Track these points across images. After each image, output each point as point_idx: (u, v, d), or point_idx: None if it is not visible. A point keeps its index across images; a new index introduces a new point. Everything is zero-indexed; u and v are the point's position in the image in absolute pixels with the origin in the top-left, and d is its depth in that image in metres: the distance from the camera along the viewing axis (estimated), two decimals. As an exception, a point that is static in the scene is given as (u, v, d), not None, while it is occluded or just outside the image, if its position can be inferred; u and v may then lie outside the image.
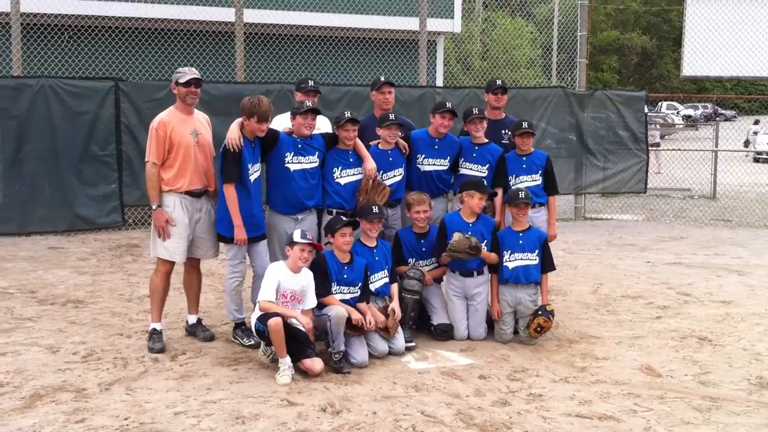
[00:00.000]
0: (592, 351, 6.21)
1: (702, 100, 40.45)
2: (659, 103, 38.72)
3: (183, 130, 6.03)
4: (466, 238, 6.26)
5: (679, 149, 17.34)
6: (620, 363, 5.93)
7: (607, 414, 4.90)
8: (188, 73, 6.05)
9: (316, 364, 5.47)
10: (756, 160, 23.85)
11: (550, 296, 6.75)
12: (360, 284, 5.91)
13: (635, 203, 14.69)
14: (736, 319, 7.19)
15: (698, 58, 13.36)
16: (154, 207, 6.03)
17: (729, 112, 41.73)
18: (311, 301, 5.73)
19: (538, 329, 6.27)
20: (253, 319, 5.65)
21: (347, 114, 6.28)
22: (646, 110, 13.62)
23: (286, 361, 5.39)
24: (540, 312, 6.28)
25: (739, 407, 5.06)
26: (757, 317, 7.24)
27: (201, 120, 6.28)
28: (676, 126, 32.59)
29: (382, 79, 6.90)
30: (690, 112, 39.93)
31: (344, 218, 5.96)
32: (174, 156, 6.00)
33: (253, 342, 6.00)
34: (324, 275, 5.77)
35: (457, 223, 6.46)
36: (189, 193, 6.07)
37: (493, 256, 6.38)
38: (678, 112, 39.05)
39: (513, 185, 6.72)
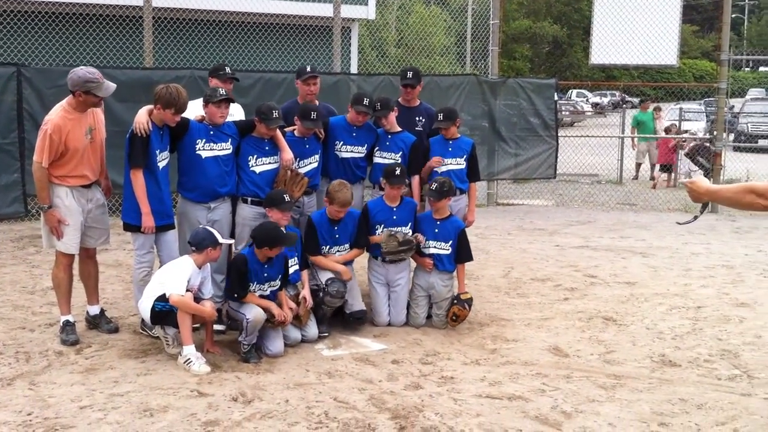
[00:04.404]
0: (503, 333, 6.33)
1: (610, 87, 41.67)
2: (569, 91, 39.68)
3: (78, 133, 5.80)
4: (392, 237, 6.29)
5: (587, 135, 17.79)
6: (529, 344, 6.08)
7: (516, 394, 5.01)
8: (101, 81, 5.79)
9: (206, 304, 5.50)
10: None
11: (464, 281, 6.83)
12: (280, 276, 5.83)
13: (545, 189, 15.03)
14: (640, 299, 7.45)
15: (606, 47, 13.67)
16: (45, 208, 5.82)
17: (636, 100, 43.05)
18: (209, 291, 5.70)
19: (454, 318, 6.37)
20: (143, 304, 5.53)
21: (276, 115, 6.10)
22: (556, 97, 13.92)
23: (192, 350, 5.32)
24: (456, 301, 6.38)
25: (642, 384, 5.25)
26: (659, 297, 7.52)
27: (94, 110, 6.05)
28: (585, 113, 33.51)
29: (308, 69, 6.82)
30: (598, 99, 41.07)
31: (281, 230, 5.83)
32: (67, 158, 5.80)
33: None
34: (243, 278, 5.60)
35: (380, 208, 6.50)
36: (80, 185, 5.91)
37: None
38: (587, 100, 40.10)
39: (437, 168, 6.80)
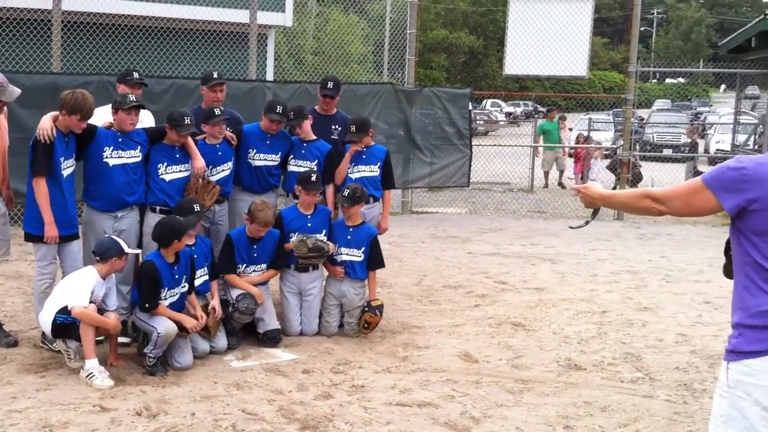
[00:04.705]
0: (414, 340, 6.38)
1: (523, 97, 42.60)
2: (484, 101, 40.35)
3: None
4: (303, 242, 6.26)
5: (500, 145, 18.11)
6: (440, 351, 6.14)
7: (426, 401, 5.06)
8: (5, 86, 5.56)
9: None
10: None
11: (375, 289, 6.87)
12: (186, 277, 5.73)
13: (459, 197, 15.21)
14: (548, 304, 7.62)
15: (519, 58, 13.92)
16: None
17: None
18: (114, 303, 5.55)
19: (366, 325, 6.39)
20: (44, 316, 5.35)
21: (188, 121, 6.00)
22: (470, 107, 14.11)
23: (95, 363, 5.17)
24: (367, 308, 6.40)
25: (549, 388, 5.37)
26: (566, 302, 7.72)
27: None
28: (499, 122, 34.16)
29: (215, 75, 6.76)
30: (512, 109, 41.91)
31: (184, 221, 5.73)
32: None
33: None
34: (156, 285, 5.45)
35: (294, 216, 6.46)
36: None
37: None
38: (501, 110, 40.87)
39: (350, 173, 6.82)
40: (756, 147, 16.42)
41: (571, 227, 4.05)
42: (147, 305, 5.44)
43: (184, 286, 5.70)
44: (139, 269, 5.69)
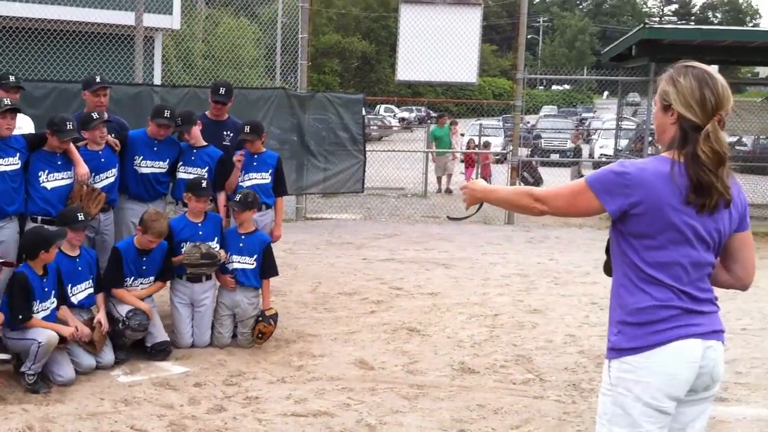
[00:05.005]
0: (309, 349, 6.33)
1: (416, 103, 43.15)
2: (377, 106, 40.63)
3: None
4: (195, 247, 6.10)
5: (394, 150, 18.27)
6: (336, 359, 6.11)
7: (322, 410, 5.02)
8: None
9: None
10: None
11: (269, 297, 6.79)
12: (55, 292, 5.47)
13: (353, 202, 15.22)
14: (442, 309, 7.71)
15: (411, 64, 14.06)
16: None
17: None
18: None
19: (260, 335, 6.29)
20: None
21: (70, 127, 5.80)
22: (363, 112, 14.16)
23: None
24: (260, 318, 6.30)
25: (443, 392, 5.43)
26: (460, 306, 7.83)
27: None
28: (393, 128, 34.51)
29: (98, 79, 6.54)
30: (405, 114, 42.39)
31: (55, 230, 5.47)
32: None
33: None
34: (28, 295, 5.19)
35: (184, 225, 6.30)
36: None
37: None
38: (395, 115, 41.28)
39: (241, 182, 6.73)
40: (629, 153, 17.15)
41: (449, 218, 4.10)
42: (21, 317, 5.16)
43: (53, 302, 5.45)
44: (9, 281, 5.40)
